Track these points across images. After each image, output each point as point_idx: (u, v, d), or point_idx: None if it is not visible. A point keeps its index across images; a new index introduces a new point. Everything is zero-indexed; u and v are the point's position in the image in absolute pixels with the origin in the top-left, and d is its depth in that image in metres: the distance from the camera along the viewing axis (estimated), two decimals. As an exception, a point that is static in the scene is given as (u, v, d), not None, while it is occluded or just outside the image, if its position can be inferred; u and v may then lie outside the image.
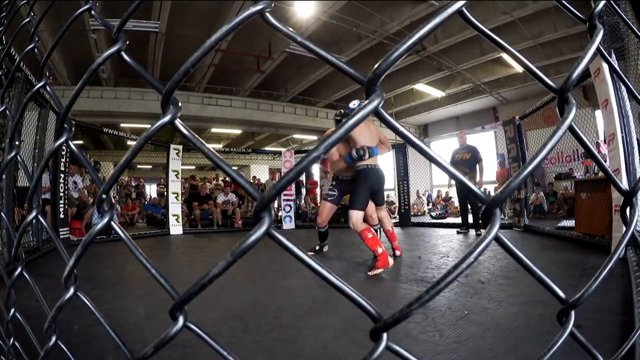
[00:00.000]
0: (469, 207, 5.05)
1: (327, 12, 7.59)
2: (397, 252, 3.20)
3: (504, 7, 7.26)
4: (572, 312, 0.34)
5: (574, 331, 0.33)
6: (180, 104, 0.31)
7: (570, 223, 4.13)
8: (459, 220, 5.74)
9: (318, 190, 8.33)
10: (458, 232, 5.07)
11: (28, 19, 0.62)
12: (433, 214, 8.79)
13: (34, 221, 0.49)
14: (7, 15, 0.84)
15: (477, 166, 4.89)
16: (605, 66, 2.65)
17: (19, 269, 0.55)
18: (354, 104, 3.04)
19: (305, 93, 11.88)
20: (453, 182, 5.31)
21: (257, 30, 7.92)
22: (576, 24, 6.86)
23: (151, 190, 11.58)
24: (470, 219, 5.11)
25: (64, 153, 4.48)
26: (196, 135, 0.31)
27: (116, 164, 0.87)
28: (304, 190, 8.37)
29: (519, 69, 9.19)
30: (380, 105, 0.26)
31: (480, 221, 4.97)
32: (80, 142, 13.17)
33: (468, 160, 4.94)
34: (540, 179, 7.68)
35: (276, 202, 7.20)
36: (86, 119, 7.30)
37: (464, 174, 0.28)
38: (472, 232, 4.99)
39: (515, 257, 0.30)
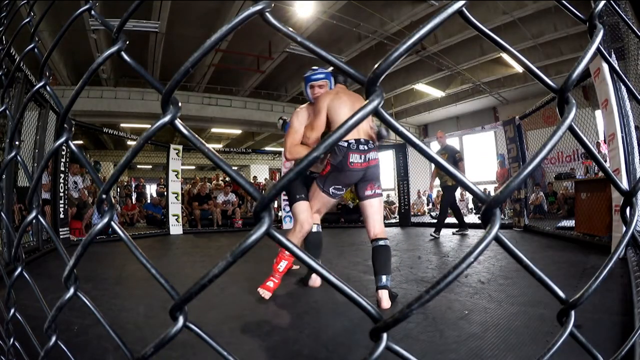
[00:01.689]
0: (450, 209, 4.96)
1: (327, 12, 7.59)
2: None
3: (504, 7, 7.26)
4: (572, 312, 0.34)
5: (574, 331, 0.33)
6: (180, 104, 0.31)
7: (570, 223, 4.13)
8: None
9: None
10: (454, 234, 5.00)
11: (28, 19, 0.61)
12: (433, 214, 8.79)
13: (34, 221, 0.49)
14: (7, 15, 0.84)
15: (458, 166, 4.72)
16: (605, 66, 2.65)
17: (19, 269, 0.55)
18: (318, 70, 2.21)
19: (306, 93, 11.85)
20: (435, 183, 5.29)
21: (257, 30, 7.91)
22: (576, 24, 6.86)
23: (151, 190, 11.56)
24: (452, 220, 5.09)
25: (64, 153, 4.49)
26: (196, 135, 0.31)
27: (116, 164, 0.87)
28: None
29: (519, 69, 9.18)
30: (380, 105, 0.26)
31: (459, 221, 4.95)
32: (80, 142, 13.16)
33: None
34: (540, 179, 7.68)
35: (276, 202, 7.20)
36: (86, 119, 7.30)
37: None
38: (472, 232, 4.98)
39: (515, 257, 0.30)
